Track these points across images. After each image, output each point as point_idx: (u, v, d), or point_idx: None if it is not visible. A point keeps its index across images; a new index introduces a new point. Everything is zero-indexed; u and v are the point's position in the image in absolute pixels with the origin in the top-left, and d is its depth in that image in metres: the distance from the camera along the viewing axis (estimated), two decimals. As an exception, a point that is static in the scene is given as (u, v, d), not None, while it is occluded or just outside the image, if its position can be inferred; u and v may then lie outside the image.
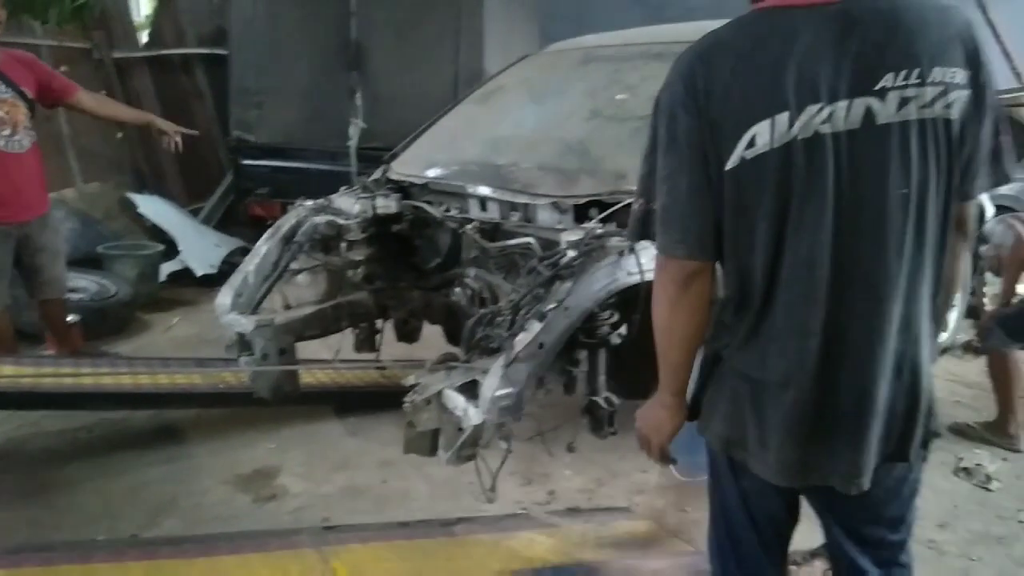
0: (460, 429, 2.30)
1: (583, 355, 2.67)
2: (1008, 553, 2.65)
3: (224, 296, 3.13)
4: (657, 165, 1.32)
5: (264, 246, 3.27)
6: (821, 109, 1.19)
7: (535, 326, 2.27)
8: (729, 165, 1.23)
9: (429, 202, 3.23)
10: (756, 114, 1.21)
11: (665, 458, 1.54)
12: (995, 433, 3.46)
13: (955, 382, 4.17)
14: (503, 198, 2.91)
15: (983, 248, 3.66)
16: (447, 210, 3.15)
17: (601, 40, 3.86)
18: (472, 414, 2.20)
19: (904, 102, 1.19)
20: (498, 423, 2.29)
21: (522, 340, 2.25)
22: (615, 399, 2.69)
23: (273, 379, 3.00)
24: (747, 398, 1.36)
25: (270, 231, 3.33)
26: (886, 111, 1.20)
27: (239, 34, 5.98)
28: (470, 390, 2.29)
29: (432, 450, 2.40)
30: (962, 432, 3.54)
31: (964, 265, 1.43)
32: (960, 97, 1.22)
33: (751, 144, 1.22)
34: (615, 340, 2.65)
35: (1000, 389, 3.46)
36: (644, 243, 2.45)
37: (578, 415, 2.73)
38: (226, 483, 3.03)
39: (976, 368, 4.29)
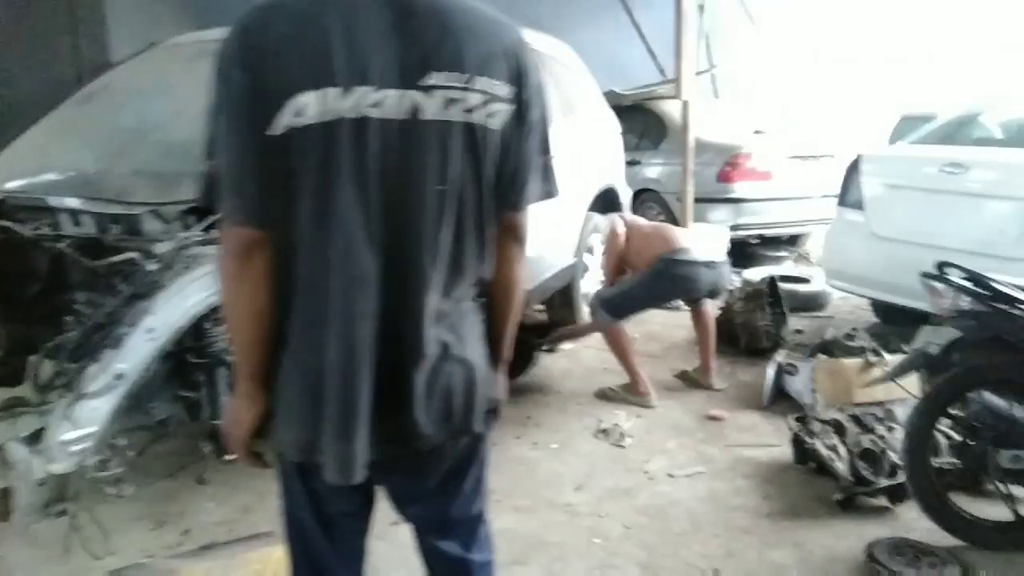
0: (41, 484, 1.98)
1: (202, 377, 2.45)
2: (632, 504, 2.89)
3: None
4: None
5: None
6: (371, 93, 1.19)
7: (109, 355, 2.01)
8: (277, 131, 1.18)
9: (21, 220, 2.77)
10: (305, 83, 1.17)
11: (250, 454, 1.39)
12: (631, 393, 3.81)
13: (605, 351, 4.52)
14: (92, 209, 2.57)
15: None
16: (37, 228, 2.73)
17: (220, 33, 3.60)
18: (36, 466, 1.89)
19: (449, 103, 1.23)
20: (89, 469, 2.01)
21: (93, 373, 1.98)
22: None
23: None
24: (311, 390, 1.28)
25: None
26: (431, 108, 1.22)
27: None
28: (38, 439, 1.97)
29: (4, 514, 2.05)
30: (606, 396, 3.85)
31: (523, 268, 1.48)
32: (502, 110, 1.28)
33: (299, 113, 1.17)
34: (226, 356, 2.47)
35: (620, 357, 3.86)
36: None
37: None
38: None
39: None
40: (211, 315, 2.37)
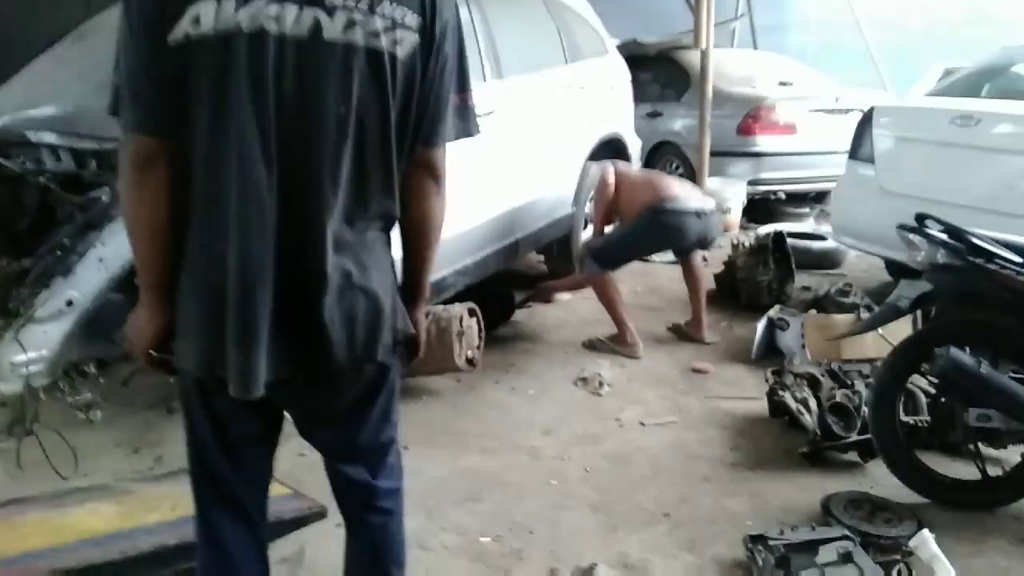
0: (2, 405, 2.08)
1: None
2: (597, 450, 2.90)
3: None
4: None
5: None
6: (269, 5, 1.19)
7: (59, 282, 2.07)
8: (175, 40, 1.19)
9: (9, 156, 2.86)
10: None
11: (153, 362, 1.41)
12: (618, 344, 3.79)
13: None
14: (67, 144, 2.64)
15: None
16: (24, 163, 2.81)
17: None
18: (-10, 386, 1.98)
19: (350, 24, 1.22)
20: (59, 393, 2.10)
21: (43, 299, 2.05)
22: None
23: None
24: (211, 304, 1.29)
25: None
26: (333, 28, 1.22)
27: None
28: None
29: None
30: (593, 346, 3.84)
31: (438, 205, 1.47)
32: (410, 40, 1.27)
33: (196, 22, 1.18)
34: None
35: (608, 308, 3.83)
36: None
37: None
38: None
39: (622, 290, 4.69)
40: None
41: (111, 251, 2.15)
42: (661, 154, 6.78)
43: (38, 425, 2.36)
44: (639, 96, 6.44)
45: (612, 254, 3.86)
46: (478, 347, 3.29)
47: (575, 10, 4.68)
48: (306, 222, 1.27)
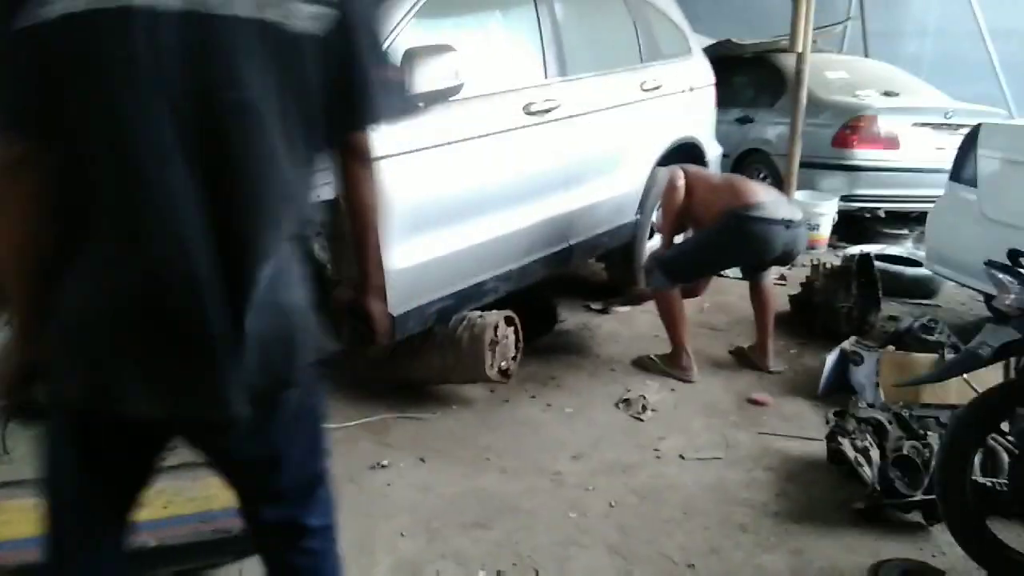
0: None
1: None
2: (627, 482, 2.67)
3: None
4: None
5: None
6: None
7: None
8: (23, 23, 1.03)
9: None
10: None
11: (10, 391, 1.22)
12: (671, 365, 3.53)
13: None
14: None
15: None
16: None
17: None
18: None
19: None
20: None
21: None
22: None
23: None
24: (105, 329, 1.13)
25: None
26: (242, 3, 1.07)
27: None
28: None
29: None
30: (643, 365, 3.59)
31: (372, 190, 1.36)
32: (321, 13, 1.13)
33: (43, 2, 1.02)
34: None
35: (669, 326, 3.54)
36: None
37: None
38: None
39: (687, 306, 4.41)
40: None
41: None
42: (749, 162, 6.40)
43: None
44: (730, 100, 6.10)
45: (684, 266, 3.54)
46: (514, 358, 3.11)
47: (659, 7, 4.42)
48: (233, 230, 1.11)
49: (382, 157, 2.63)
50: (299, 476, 1.35)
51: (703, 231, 3.57)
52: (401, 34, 2.74)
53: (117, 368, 1.13)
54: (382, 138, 2.57)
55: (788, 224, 3.46)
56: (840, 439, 2.66)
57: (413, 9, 2.81)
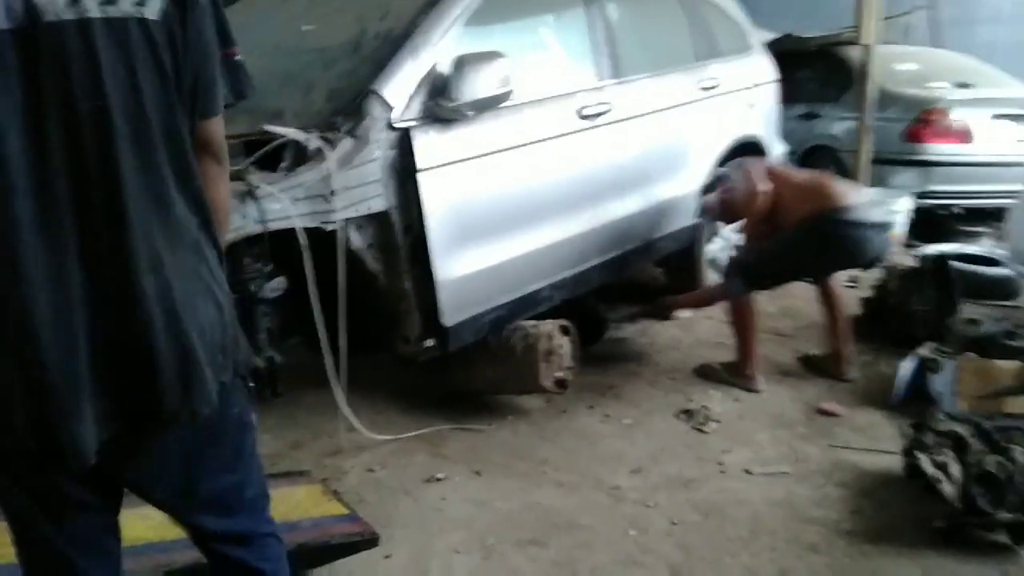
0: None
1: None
2: (689, 498, 2.57)
3: None
4: None
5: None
6: None
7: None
8: None
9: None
10: None
11: None
12: (734, 374, 3.40)
13: (727, 323, 4.09)
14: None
15: (709, 195, 3.53)
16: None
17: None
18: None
19: None
20: None
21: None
22: (278, 358, 2.50)
23: None
24: (12, 367, 1.07)
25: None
26: (54, 6, 1.00)
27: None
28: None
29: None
30: (706, 374, 3.47)
31: (224, 189, 1.28)
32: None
33: None
34: (270, 293, 2.45)
35: (739, 332, 3.39)
36: (269, 189, 2.32)
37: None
38: None
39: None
40: (248, 249, 2.35)
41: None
42: (815, 159, 6.17)
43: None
44: (794, 96, 5.89)
45: (767, 271, 3.33)
46: (570, 368, 3.04)
47: (716, 4, 4.30)
48: (112, 248, 1.05)
49: (433, 167, 2.63)
50: (224, 484, 1.34)
51: (788, 235, 3.31)
52: (450, 42, 2.71)
53: (28, 405, 1.08)
54: (433, 149, 2.58)
55: (880, 227, 3.27)
56: (917, 453, 2.50)
57: (461, 17, 2.78)
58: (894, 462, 2.70)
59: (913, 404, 3.15)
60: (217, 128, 1.21)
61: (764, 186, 3.35)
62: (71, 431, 1.08)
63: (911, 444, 2.59)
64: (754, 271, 3.35)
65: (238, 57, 1.21)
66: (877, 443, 2.91)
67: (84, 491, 1.25)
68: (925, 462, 2.44)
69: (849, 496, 2.58)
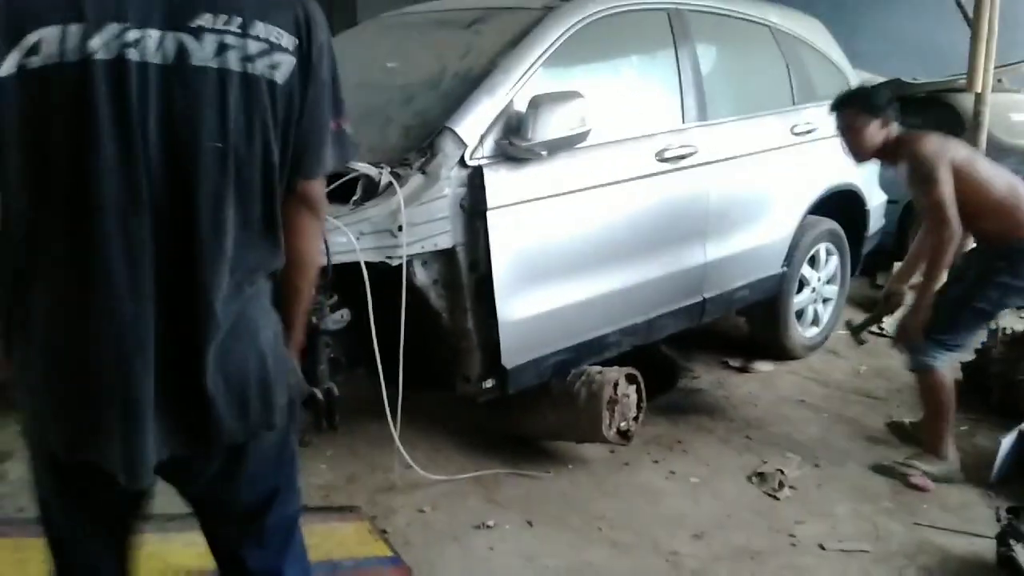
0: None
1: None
2: (754, 572, 2.40)
3: None
4: None
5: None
6: (127, 31, 1.07)
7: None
8: (3, 72, 1.06)
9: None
10: (42, 16, 1.06)
11: None
12: (926, 460, 2.96)
13: (810, 379, 3.88)
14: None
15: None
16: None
17: (429, 6, 3.64)
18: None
19: (223, 48, 1.11)
20: None
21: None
22: (336, 390, 2.50)
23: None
24: (79, 383, 1.14)
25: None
26: (202, 53, 1.10)
27: None
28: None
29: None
30: (889, 471, 2.98)
31: (317, 243, 1.36)
32: (285, 62, 1.16)
33: (34, 51, 1.06)
34: (332, 325, 2.45)
35: (933, 413, 3.00)
36: (335, 222, 2.32)
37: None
38: None
39: (840, 368, 4.03)
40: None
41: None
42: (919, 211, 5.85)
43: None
44: (900, 144, 5.62)
45: (962, 324, 2.86)
46: (635, 419, 2.91)
47: (815, 47, 4.13)
48: (187, 278, 1.12)
49: (503, 206, 2.59)
50: (278, 516, 1.37)
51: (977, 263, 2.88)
52: (529, 81, 2.68)
53: (88, 419, 1.15)
54: (504, 187, 2.54)
55: None
56: (1013, 542, 2.26)
57: (543, 56, 2.75)
58: (986, 548, 2.45)
59: (1014, 484, 2.88)
60: (318, 187, 1.29)
61: (948, 192, 2.76)
62: (142, 445, 1.13)
63: (1007, 530, 2.35)
64: (950, 328, 2.86)
65: (347, 127, 1.30)
66: (969, 525, 2.65)
67: (114, 498, 1.28)
68: (1021, 554, 2.20)
69: (933, 584, 2.35)
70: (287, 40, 1.15)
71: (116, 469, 1.15)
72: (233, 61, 1.11)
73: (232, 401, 1.18)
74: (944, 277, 2.92)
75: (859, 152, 3.02)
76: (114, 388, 1.11)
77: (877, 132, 2.92)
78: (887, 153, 2.97)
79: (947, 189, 2.76)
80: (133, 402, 1.11)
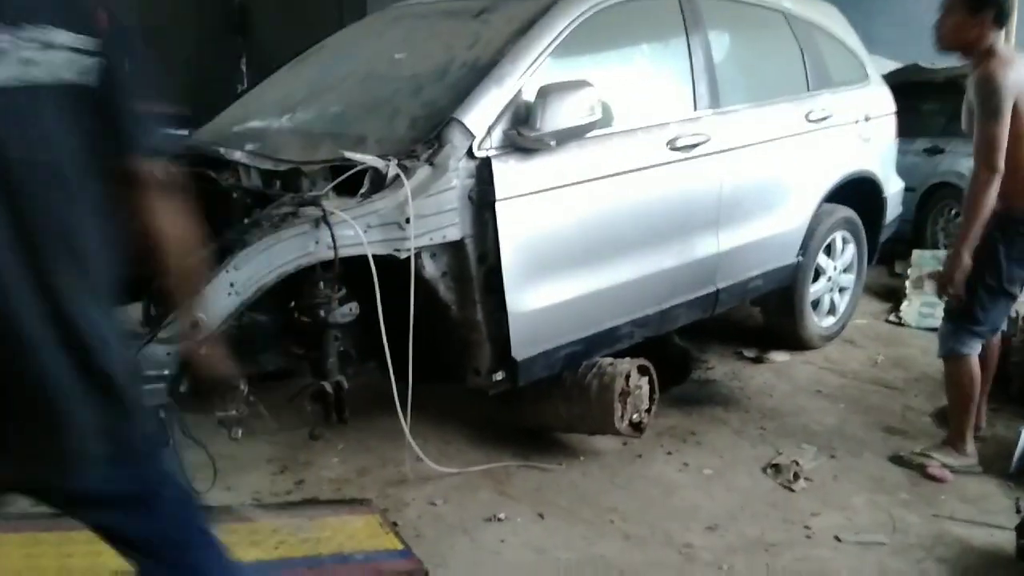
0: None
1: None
2: (769, 563, 2.37)
3: None
4: None
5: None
6: None
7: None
8: None
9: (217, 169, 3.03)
10: None
11: None
12: (946, 452, 2.90)
13: (826, 369, 3.84)
14: (248, 163, 2.70)
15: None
16: (227, 179, 2.95)
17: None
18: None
19: (26, 62, 1.10)
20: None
21: (170, 319, 2.04)
22: (345, 384, 2.49)
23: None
24: None
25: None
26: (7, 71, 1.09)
27: None
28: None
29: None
30: (907, 462, 2.93)
31: (173, 222, 1.29)
32: (72, 59, 1.14)
33: None
34: (341, 319, 2.44)
35: (957, 401, 2.92)
36: (342, 215, 2.30)
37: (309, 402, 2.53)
38: None
39: (857, 358, 3.98)
40: (318, 275, 2.36)
41: (242, 276, 2.11)
42: (938, 198, 5.78)
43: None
44: (917, 129, 5.53)
45: (977, 305, 2.72)
46: (648, 411, 2.89)
47: (831, 32, 4.06)
48: (24, 298, 1.10)
49: (512, 197, 2.57)
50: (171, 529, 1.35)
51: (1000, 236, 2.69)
52: (537, 71, 2.65)
53: None
54: (512, 178, 2.52)
55: None
56: (1034, 536, 2.22)
57: (551, 46, 2.72)
58: (1006, 540, 2.41)
59: (1035, 475, 2.83)
60: (146, 165, 1.26)
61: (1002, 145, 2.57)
62: None
63: (1026, 523, 2.30)
64: (981, 312, 2.75)
65: (163, 110, 1.34)
66: (988, 516, 2.61)
67: None
68: (1042, 548, 2.16)
69: (949, 574, 2.31)
70: (65, 37, 1.14)
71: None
72: (13, 69, 1.09)
73: (86, 419, 1.18)
74: (980, 227, 2.67)
75: (940, 38, 2.80)
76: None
77: (966, 27, 2.68)
78: (972, 54, 2.74)
79: (1004, 131, 2.57)
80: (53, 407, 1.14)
